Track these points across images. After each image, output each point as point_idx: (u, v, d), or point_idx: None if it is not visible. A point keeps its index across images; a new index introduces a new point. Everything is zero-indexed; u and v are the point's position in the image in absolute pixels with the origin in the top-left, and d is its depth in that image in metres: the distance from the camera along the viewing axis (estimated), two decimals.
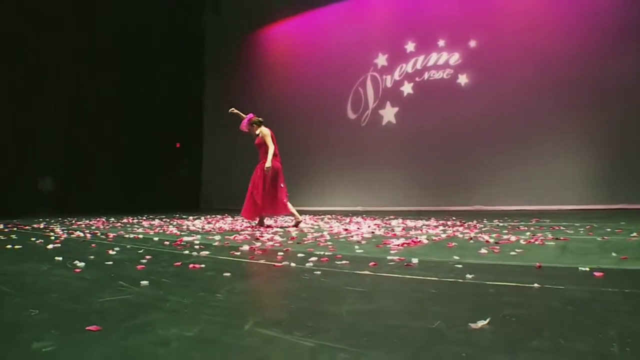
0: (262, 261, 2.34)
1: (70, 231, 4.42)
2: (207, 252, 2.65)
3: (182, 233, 4.15)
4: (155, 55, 12.89)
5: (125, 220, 6.38)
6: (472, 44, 9.36)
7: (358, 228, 4.55)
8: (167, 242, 3.28)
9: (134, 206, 10.89)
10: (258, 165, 5.00)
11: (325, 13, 11.81)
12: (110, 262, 2.28)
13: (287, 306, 1.41)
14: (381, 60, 10.76)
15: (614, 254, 2.27)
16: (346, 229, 4.38)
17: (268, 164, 4.76)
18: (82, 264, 2.18)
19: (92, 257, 2.50)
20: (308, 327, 1.10)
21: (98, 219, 6.62)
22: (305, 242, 3.21)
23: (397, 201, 9.76)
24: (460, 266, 2.00)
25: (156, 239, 3.63)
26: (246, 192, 5.00)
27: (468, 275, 1.75)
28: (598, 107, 7.76)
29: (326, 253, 2.53)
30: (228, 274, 1.89)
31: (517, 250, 2.52)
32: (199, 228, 4.83)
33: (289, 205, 4.97)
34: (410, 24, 10.30)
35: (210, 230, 4.47)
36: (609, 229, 3.72)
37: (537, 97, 8.38)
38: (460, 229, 4.15)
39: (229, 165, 12.52)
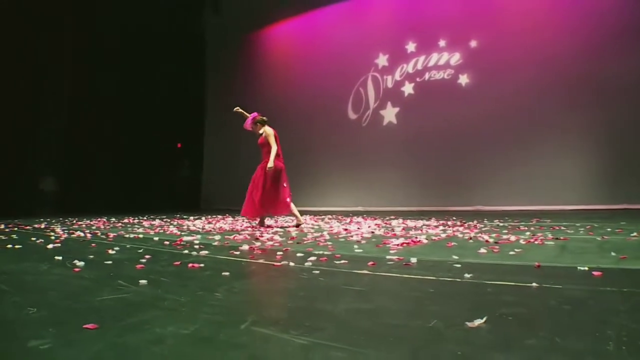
0: (261, 261, 2.34)
1: (70, 231, 4.43)
2: (207, 252, 2.65)
3: (182, 233, 4.16)
4: (156, 56, 12.91)
5: (126, 221, 6.39)
6: (473, 44, 9.36)
7: (358, 228, 4.55)
8: (167, 242, 3.28)
9: (135, 206, 10.91)
10: (260, 164, 5.01)
11: (326, 13, 11.82)
12: (110, 262, 2.29)
13: (284, 305, 1.42)
14: (382, 60, 10.77)
15: (613, 254, 2.27)
16: (346, 229, 4.38)
17: (270, 164, 4.75)
18: (82, 263, 2.19)
19: (91, 256, 2.51)
20: (304, 326, 1.10)
21: (99, 219, 6.64)
22: (305, 242, 3.21)
23: (398, 201, 9.76)
24: (459, 266, 2.00)
25: (156, 238, 3.64)
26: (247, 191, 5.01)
27: (466, 275, 1.75)
28: (599, 107, 7.75)
29: (325, 253, 2.53)
30: (227, 273, 1.89)
31: (516, 249, 2.52)
32: (199, 228, 4.83)
33: (292, 205, 4.98)
34: (411, 24, 10.31)
35: (210, 230, 4.48)
36: (609, 229, 3.72)
37: (538, 97, 8.37)
38: (461, 229, 4.15)
39: (229, 165, 12.53)
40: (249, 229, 4.73)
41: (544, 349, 0.92)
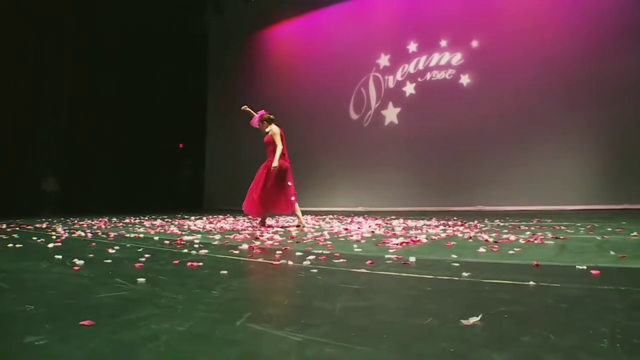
0: (259, 259, 2.34)
1: (71, 231, 4.45)
2: (206, 251, 2.66)
3: (183, 232, 4.17)
4: (157, 56, 12.94)
5: (127, 220, 6.41)
6: (474, 44, 9.35)
7: (358, 228, 4.55)
8: (167, 241, 3.29)
9: (136, 206, 10.94)
10: (264, 162, 5.00)
11: (328, 13, 11.83)
12: (109, 260, 2.29)
13: (280, 303, 1.42)
14: (383, 60, 10.77)
15: (612, 253, 2.26)
16: (346, 229, 4.38)
17: (275, 163, 4.75)
18: (81, 262, 2.20)
19: (91, 255, 2.52)
20: (299, 323, 1.10)
21: (100, 219, 6.66)
22: (305, 242, 3.22)
23: (399, 201, 9.76)
24: (457, 264, 2.00)
25: (156, 238, 3.65)
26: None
27: (464, 274, 1.75)
28: (599, 107, 7.74)
29: (324, 252, 2.53)
30: (225, 272, 1.90)
31: (515, 249, 2.52)
32: (199, 228, 4.84)
33: (297, 205, 4.97)
34: (413, 24, 10.31)
35: (211, 230, 4.48)
36: (609, 229, 3.71)
37: (539, 98, 8.36)
38: (461, 228, 4.14)
39: (231, 165, 12.56)
40: (250, 228, 4.74)
41: (538, 346, 0.92)
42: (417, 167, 9.77)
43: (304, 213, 5.38)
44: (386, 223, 5.22)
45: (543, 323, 1.10)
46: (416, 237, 3.33)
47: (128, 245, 3.05)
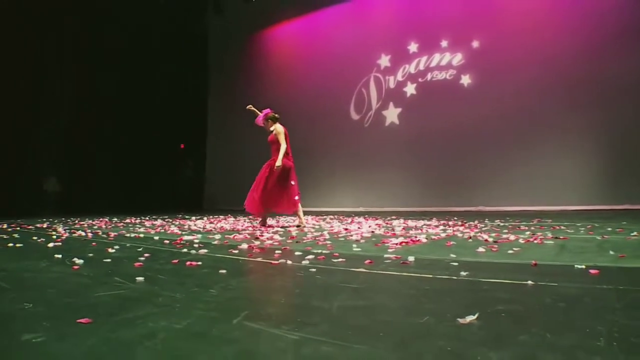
0: (259, 259, 2.35)
1: (72, 230, 4.45)
2: (206, 251, 2.66)
3: (183, 232, 4.17)
4: (158, 56, 12.96)
5: (128, 221, 6.42)
6: (475, 44, 9.35)
7: (358, 228, 4.55)
8: (167, 241, 3.29)
9: (137, 207, 10.95)
10: (267, 161, 5.00)
11: (328, 14, 11.83)
12: (109, 260, 2.30)
13: (278, 302, 1.42)
14: (384, 61, 10.77)
15: (612, 252, 2.26)
16: (346, 229, 4.38)
17: (279, 162, 4.74)
18: (81, 261, 2.20)
19: (91, 254, 2.52)
20: (296, 322, 1.11)
21: (101, 219, 6.67)
22: (305, 241, 3.22)
23: (400, 202, 9.75)
24: (456, 264, 2.00)
25: (156, 238, 3.65)
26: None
27: (462, 273, 1.75)
28: (600, 107, 7.74)
29: (323, 251, 2.53)
30: (224, 271, 1.90)
31: (515, 248, 2.51)
32: (200, 228, 4.84)
33: (299, 205, 4.97)
34: (413, 24, 10.31)
35: (211, 230, 4.49)
36: (609, 229, 3.70)
37: (539, 98, 8.36)
38: (461, 228, 4.14)
39: (232, 165, 12.56)
40: (250, 228, 4.74)
41: (534, 345, 0.92)
42: (417, 167, 9.77)
43: (304, 213, 5.38)
44: (386, 223, 5.21)
45: (540, 322, 1.09)
46: (416, 237, 3.33)
47: (128, 245, 3.06)
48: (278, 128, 4.97)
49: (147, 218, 7.17)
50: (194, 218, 7.13)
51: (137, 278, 1.71)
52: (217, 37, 14.19)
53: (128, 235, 3.98)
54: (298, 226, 4.89)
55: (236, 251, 2.67)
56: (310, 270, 1.92)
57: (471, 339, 0.97)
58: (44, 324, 1.11)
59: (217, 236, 3.61)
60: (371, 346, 0.93)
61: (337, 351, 0.90)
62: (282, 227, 4.94)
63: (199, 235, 3.75)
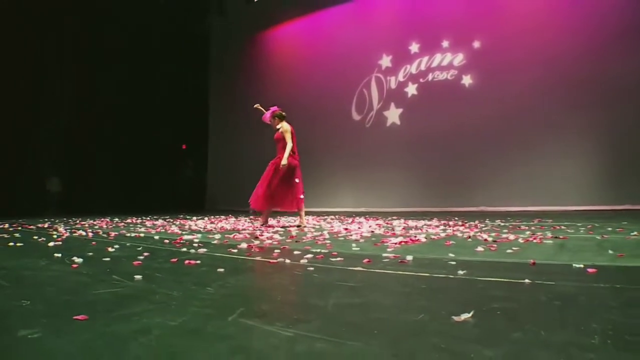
0: (257, 258, 2.35)
1: (73, 230, 4.47)
2: (205, 250, 2.67)
3: (183, 232, 4.18)
4: (159, 56, 12.98)
5: (129, 220, 6.43)
6: (476, 45, 9.34)
7: (359, 227, 4.55)
8: (167, 241, 3.30)
9: (138, 207, 10.96)
10: (273, 159, 4.99)
11: (330, 14, 11.84)
12: (108, 259, 2.31)
13: (274, 299, 1.42)
14: (385, 61, 10.77)
15: (610, 252, 2.26)
16: (346, 229, 4.38)
17: (284, 161, 4.74)
18: (80, 260, 2.21)
19: (90, 253, 2.53)
20: (291, 319, 1.11)
21: (102, 219, 6.68)
22: (304, 241, 3.22)
23: (401, 202, 9.75)
24: (454, 263, 2.00)
25: (156, 237, 3.66)
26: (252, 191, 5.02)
27: (460, 272, 1.75)
28: (601, 107, 7.72)
29: (322, 251, 2.54)
30: (222, 270, 1.90)
31: (514, 248, 2.51)
32: (200, 227, 4.85)
33: (303, 205, 4.96)
34: (414, 25, 10.31)
35: (211, 230, 4.49)
36: (609, 228, 3.69)
37: (541, 98, 8.35)
38: (461, 228, 4.13)
39: (234, 166, 12.57)
40: (250, 228, 4.75)
41: (528, 342, 0.92)
42: (419, 167, 9.76)
43: (306, 213, 5.38)
44: (387, 223, 5.21)
45: (535, 320, 1.09)
46: (415, 236, 3.32)
47: (128, 244, 3.07)
48: (285, 126, 4.96)
49: (148, 218, 7.18)
50: (194, 218, 7.14)
51: (135, 276, 1.72)
52: (218, 37, 14.22)
53: (128, 234, 3.99)
54: (298, 226, 4.89)
55: (235, 250, 2.67)
56: (308, 268, 1.93)
57: (465, 337, 0.97)
58: (40, 320, 1.11)
59: (217, 236, 3.62)
60: (365, 343, 0.93)
61: (330, 348, 0.90)
62: (282, 227, 4.94)
63: (199, 235, 3.75)
